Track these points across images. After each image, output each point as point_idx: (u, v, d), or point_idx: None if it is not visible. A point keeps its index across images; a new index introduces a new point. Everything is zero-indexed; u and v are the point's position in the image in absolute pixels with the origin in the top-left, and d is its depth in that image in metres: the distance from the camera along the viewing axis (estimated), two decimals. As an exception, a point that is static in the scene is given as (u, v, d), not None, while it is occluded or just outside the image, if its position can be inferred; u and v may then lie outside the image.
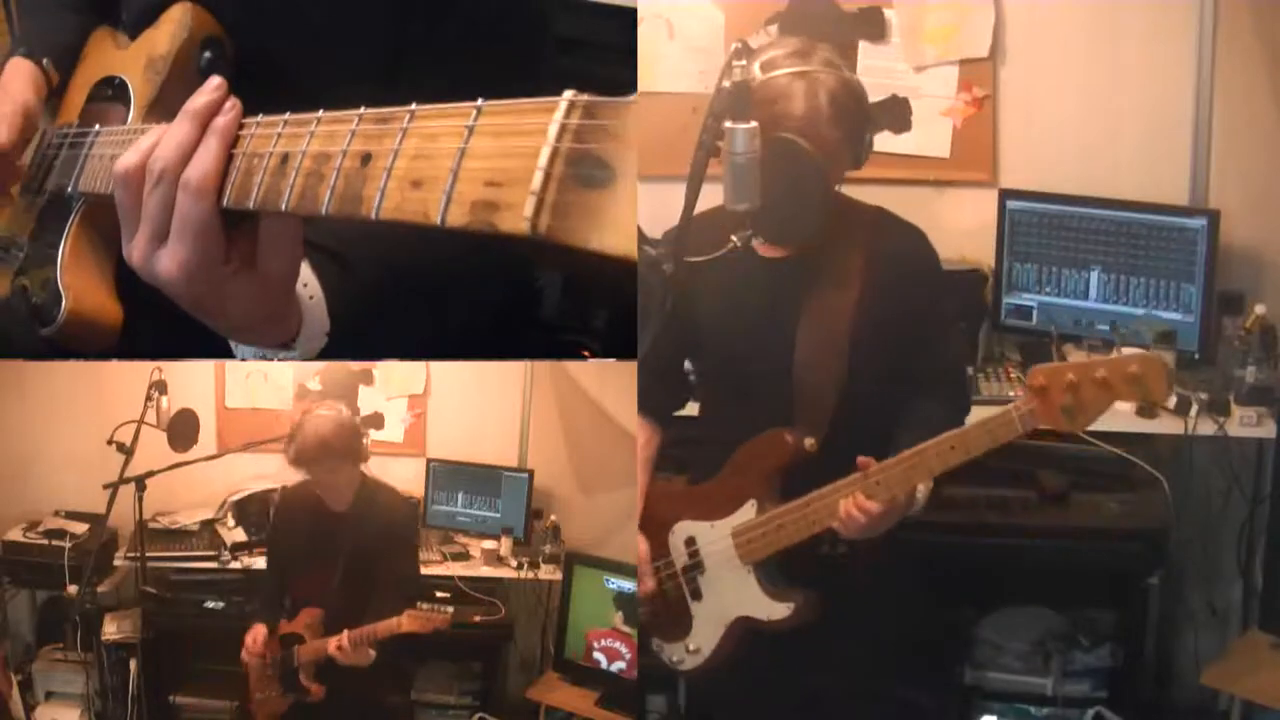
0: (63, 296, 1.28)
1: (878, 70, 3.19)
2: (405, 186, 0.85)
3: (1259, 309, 2.90)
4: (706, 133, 1.70)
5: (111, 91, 1.40)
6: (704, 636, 2.13)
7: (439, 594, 3.28)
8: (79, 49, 1.52)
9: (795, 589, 2.05)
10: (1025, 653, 3.02)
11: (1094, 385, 1.72)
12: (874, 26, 3.20)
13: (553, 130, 0.78)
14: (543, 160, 0.77)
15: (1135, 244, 3.02)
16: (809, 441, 1.99)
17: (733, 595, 2.09)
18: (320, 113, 0.96)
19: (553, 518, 3.53)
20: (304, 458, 2.58)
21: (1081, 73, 3.15)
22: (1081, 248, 3.08)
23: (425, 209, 0.83)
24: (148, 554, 3.22)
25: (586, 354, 2.58)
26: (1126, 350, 2.74)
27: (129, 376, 3.21)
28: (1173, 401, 2.77)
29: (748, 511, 2.05)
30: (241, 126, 1.01)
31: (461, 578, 3.38)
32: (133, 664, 3.21)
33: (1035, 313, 3.15)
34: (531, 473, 3.60)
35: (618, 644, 3.18)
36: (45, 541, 3.31)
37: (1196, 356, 2.96)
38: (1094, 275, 3.07)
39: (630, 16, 2.40)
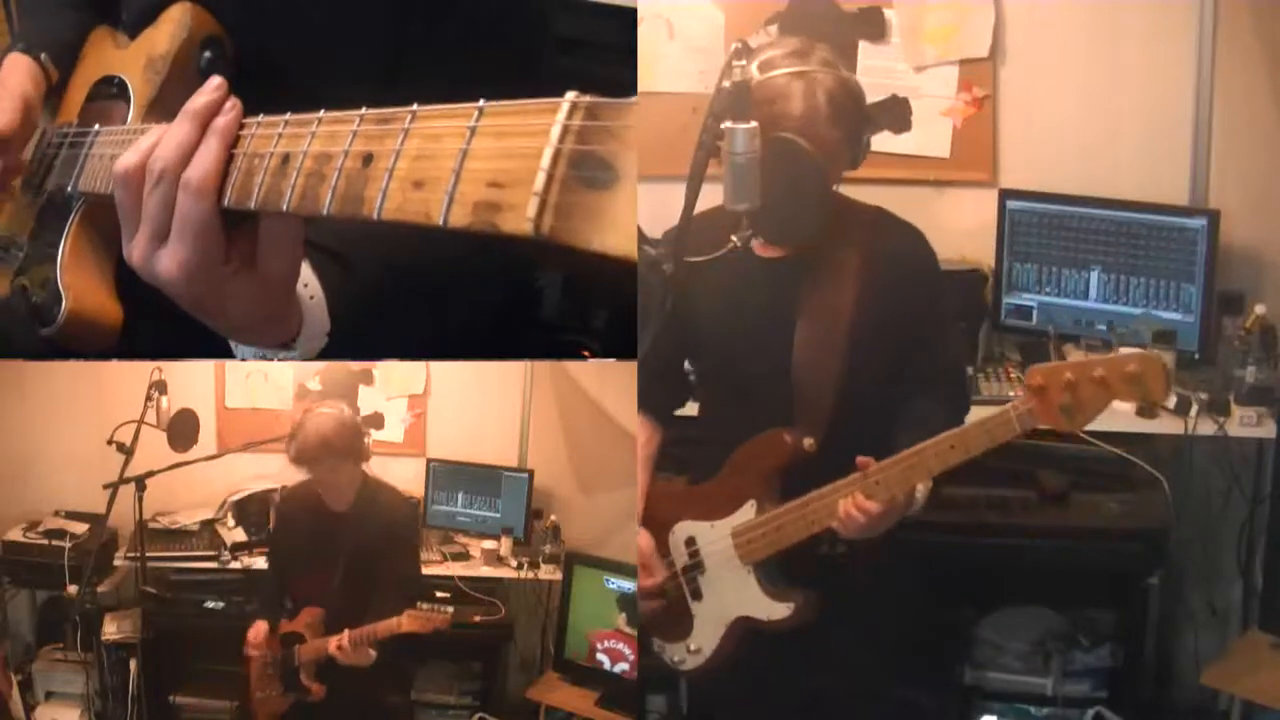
0: (63, 296, 1.28)
1: (878, 70, 3.19)
2: (407, 187, 0.85)
3: (1259, 309, 2.90)
4: (706, 133, 1.69)
5: (111, 91, 1.40)
6: (704, 636, 2.13)
7: (439, 594, 3.28)
8: (78, 47, 1.51)
9: (795, 589, 2.05)
10: (1025, 653, 3.02)
11: (1092, 384, 1.72)
12: (874, 26, 3.20)
13: (555, 131, 0.77)
14: (545, 161, 0.77)
15: (1135, 244, 3.01)
16: (808, 441, 1.99)
17: (733, 595, 2.09)
18: (321, 113, 0.96)
19: (553, 518, 3.53)
20: (305, 456, 2.58)
21: (1081, 73, 3.15)
22: (1081, 248, 3.08)
23: (427, 209, 0.83)
24: (148, 554, 3.22)
25: (586, 354, 2.57)
26: (1125, 350, 2.74)
27: (129, 376, 3.21)
28: (1173, 401, 2.76)
29: (747, 512, 2.05)
30: (242, 127, 1.01)
31: (461, 578, 3.38)
32: (133, 664, 3.21)
33: (1035, 313, 3.15)
34: (531, 473, 3.60)
35: (621, 645, 3.18)
36: (45, 541, 3.31)
37: (1196, 356, 2.96)
38: (1094, 275, 3.07)
39: (630, 16, 2.40)
